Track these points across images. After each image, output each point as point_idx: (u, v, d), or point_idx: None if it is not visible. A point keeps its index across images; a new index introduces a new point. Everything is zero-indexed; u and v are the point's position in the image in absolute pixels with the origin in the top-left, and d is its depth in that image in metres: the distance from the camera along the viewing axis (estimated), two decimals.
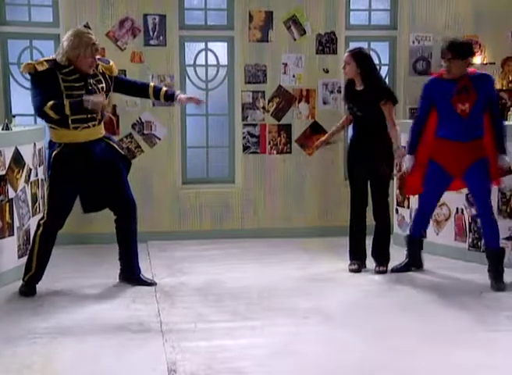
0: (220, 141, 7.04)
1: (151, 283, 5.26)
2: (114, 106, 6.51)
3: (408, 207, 6.38)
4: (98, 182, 5.05)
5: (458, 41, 5.19)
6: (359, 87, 5.51)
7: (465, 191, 5.65)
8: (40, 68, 4.80)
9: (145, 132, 6.75)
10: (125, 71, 6.52)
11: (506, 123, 5.69)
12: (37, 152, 5.72)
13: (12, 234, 5.32)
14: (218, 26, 6.87)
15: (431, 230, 6.02)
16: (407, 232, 5.79)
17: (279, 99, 6.89)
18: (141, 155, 6.76)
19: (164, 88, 5.32)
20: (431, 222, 5.94)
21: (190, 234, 6.79)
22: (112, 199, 5.16)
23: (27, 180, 5.53)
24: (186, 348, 4.01)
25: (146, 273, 5.42)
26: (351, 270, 5.65)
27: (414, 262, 5.64)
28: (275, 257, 6.17)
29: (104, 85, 4.99)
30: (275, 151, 6.95)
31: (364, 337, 4.20)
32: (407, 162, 5.46)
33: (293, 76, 6.88)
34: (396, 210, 6.51)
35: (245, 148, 6.91)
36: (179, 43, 6.77)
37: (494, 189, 5.40)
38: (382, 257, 5.66)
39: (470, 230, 5.90)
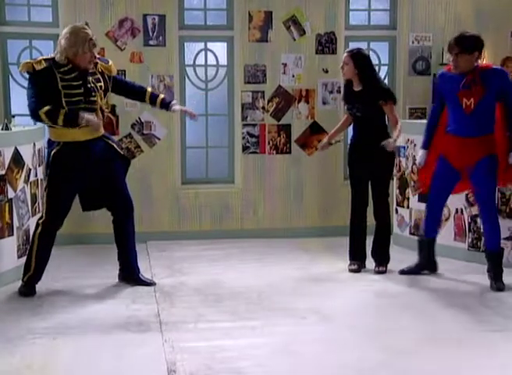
0: (219, 141, 7.04)
1: (151, 284, 5.25)
2: (113, 106, 6.50)
3: (408, 207, 6.38)
4: (97, 181, 5.05)
5: (466, 34, 5.06)
6: (357, 88, 5.51)
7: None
8: (38, 67, 4.80)
9: (145, 132, 6.75)
10: (124, 71, 6.53)
11: None
12: (36, 152, 5.72)
13: (12, 234, 5.31)
14: (218, 26, 6.87)
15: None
16: (420, 232, 5.65)
17: (279, 99, 6.89)
18: (141, 155, 6.76)
19: (161, 96, 5.34)
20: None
21: (189, 234, 6.79)
22: (110, 199, 5.16)
23: (27, 180, 5.53)
24: (186, 348, 4.00)
25: (145, 273, 5.42)
26: (351, 270, 5.65)
27: (427, 265, 5.49)
28: (274, 257, 6.18)
29: (102, 84, 5.00)
30: (274, 152, 6.95)
31: (363, 337, 4.20)
32: (419, 157, 5.43)
33: (293, 76, 6.88)
34: (396, 210, 6.51)
35: (245, 148, 6.91)
36: (178, 43, 6.77)
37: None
38: (381, 257, 5.65)
39: (469, 230, 5.89)
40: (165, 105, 5.28)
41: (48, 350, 4.00)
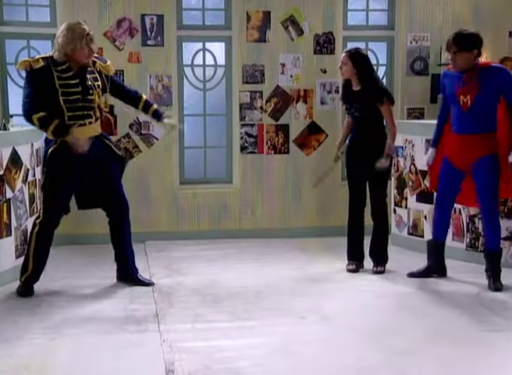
0: (218, 141, 7.04)
1: (149, 284, 5.25)
2: (111, 107, 6.48)
3: (406, 207, 6.39)
4: (93, 180, 5.04)
5: (464, 32, 5.05)
6: (356, 88, 5.51)
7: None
8: (35, 65, 4.80)
9: (143, 132, 6.74)
10: (122, 71, 6.53)
11: None
12: (34, 152, 5.72)
13: (10, 235, 5.31)
14: (216, 26, 6.87)
15: (428, 230, 6.02)
16: (430, 236, 5.57)
17: (277, 99, 6.89)
18: (139, 155, 6.76)
19: (155, 106, 5.34)
20: (428, 221, 5.95)
21: (187, 234, 6.79)
22: (105, 199, 5.16)
23: (25, 181, 5.53)
24: (184, 348, 4.00)
25: (144, 274, 5.42)
26: (349, 270, 5.65)
27: (436, 269, 5.43)
28: (272, 257, 6.17)
29: (100, 83, 5.00)
30: (272, 152, 6.95)
31: (361, 336, 4.21)
32: (428, 156, 5.42)
33: (291, 76, 6.88)
34: (394, 210, 6.51)
35: (243, 148, 6.91)
36: (176, 43, 6.77)
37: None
38: (379, 257, 5.65)
39: (467, 230, 5.89)
40: (157, 116, 5.31)
41: (46, 350, 4.00)
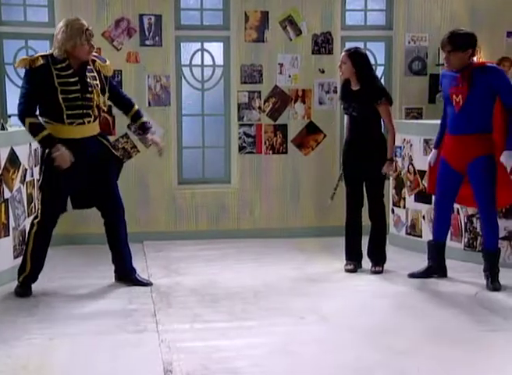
0: (216, 141, 7.04)
1: (147, 284, 5.25)
2: (110, 107, 6.47)
3: (404, 207, 6.39)
4: (91, 180, 5.03)
5: (459, 32, 5.06)
6: (355, 87, 5.51)
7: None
8: (35, 64, 4.80)
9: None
10: (121, 71, 6.53)
11: None
12: (32, 152, 5.71)
13: (8, 235, 5.31)
14: (214, 26, 6.87)
15: (426, 230, 6.03)
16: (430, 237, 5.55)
17: (275, 99, 6.89)
18: (137, 155, 6.75)
19: (144, 119, 5.33)
20: (426, 221, 5.95)
21: (186, 235, 6.78)
22: (101, 200, 5.15)
23: (23, 181, 5.52)
24: (183, 348, 4.00)
25: (142, 274, 5.41)
26: (347, 270, 5.65)
27: (437, 270, 5.42)
28: (271, 257, 6.17)
29: (98, 82, 4.99)
30: (271, 152, 6.95)
31: (360, 336, 4.20)
32: (430, 157, 5.42)
33: (289, 76, 6.88)
34: (392, 210, 6.51)
35: (241, 148, 6.91)
36: (174, 43, 6.77)
37: None
38: (378, 257, 5.65)
39: (465, 230, 5.90)
40: (143, 129, 5.30)
41: (44, 350, 3.99)
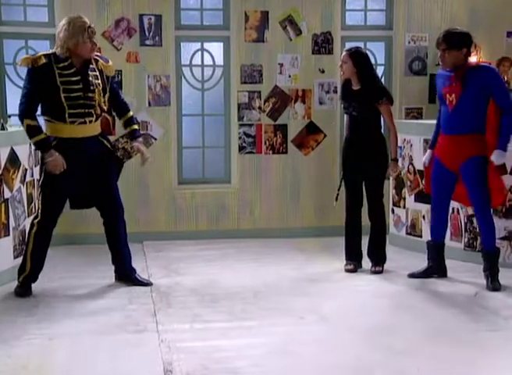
0: (216, 141, 7.04)
1: (147, 284, 5.25)
2: (110, 107, 6.49)
3: (404, 207, 6.39)
4: (90, 180, 5.03)
5: (454, 31, 5.09)
6: (355, 87, 5.51)
7: None
8: (37, 63, 4.79)
9: (141, 132, 6.72)
10: (121, 71, 6.53)
11: None
12: (32, 152, 5.71)
13: (8, 235, 5.31)
14: (214, 26, 6.87)
15: (426, 230, 6.02)
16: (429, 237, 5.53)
17: (275, 99, 6.89)
18: (137, 155, 6.73)
19: (135, 126, 5.30)
20: (426, 221, 5.94)
21: (186, 235, 6.78)
22: (100, 200, 5.15)
23: (23, 181, 5.52)
24: (182, 348, 4.00)
25: (142, 274, 5.41)
26: (347, 270, 5.65)
27: (437, 270, 5.42)
28: (271, 257, 6.17)
29: (100, 82, 4.99)
30: (271, 152, 6.94)
31: (360, 336, 4.21)
32: (425, 157, 5.42)
33: (289, 76, 6.88)
34: (392, 210, 6.51)
35: (241, 148, 6.91)
36: (174, 43, 6.77)
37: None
38: (377, 257, 5.65)
39: (465, 230, 5.90)
40: (132, 135, 5.26)
41: (44, 350, 3.99)
